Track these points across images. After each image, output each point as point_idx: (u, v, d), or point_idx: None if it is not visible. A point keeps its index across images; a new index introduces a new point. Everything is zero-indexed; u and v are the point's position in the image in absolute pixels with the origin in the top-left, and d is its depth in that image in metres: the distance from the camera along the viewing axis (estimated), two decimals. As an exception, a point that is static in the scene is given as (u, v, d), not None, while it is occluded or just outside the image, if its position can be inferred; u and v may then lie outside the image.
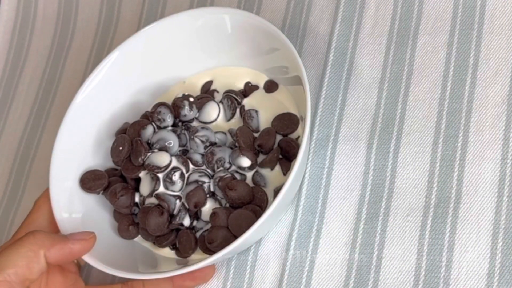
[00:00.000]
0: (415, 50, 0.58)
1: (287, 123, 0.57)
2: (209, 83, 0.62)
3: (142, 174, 0.57)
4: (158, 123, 0.58)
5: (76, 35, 0.73)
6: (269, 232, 0.57)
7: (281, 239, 0.56)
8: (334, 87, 0.59)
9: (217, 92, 0.61)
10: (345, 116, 0.59)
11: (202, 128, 0.57)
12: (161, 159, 0.56)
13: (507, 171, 0.53)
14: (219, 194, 0.56)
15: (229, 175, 0.55)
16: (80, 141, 0.59)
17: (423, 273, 0.52)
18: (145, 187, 0.56)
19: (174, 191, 0.55)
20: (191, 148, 0.57)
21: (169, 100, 0.59)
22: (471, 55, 0.57)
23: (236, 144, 0.57)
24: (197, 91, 0.62)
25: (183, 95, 0.58)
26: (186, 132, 0.57)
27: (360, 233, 0.55)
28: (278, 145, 0.56)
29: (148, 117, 0.59)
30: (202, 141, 0.56)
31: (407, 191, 0.55)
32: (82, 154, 0.59)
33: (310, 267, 0.55)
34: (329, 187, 0.57)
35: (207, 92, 0.61)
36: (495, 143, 0.54)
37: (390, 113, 0.57)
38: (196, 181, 0.56)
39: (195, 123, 0.59)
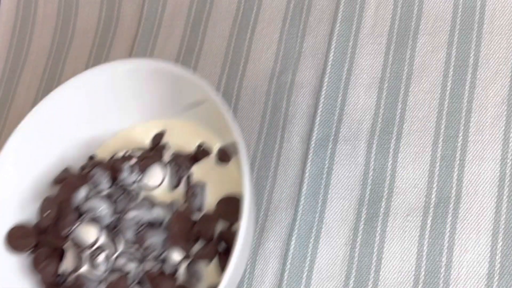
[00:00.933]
0: (415, 50, 0.59)
1: (233, 209, 0.50)
2: (160, 135, 0.57)
3: (67, 245, 0.53)
4: (91, 187, 0.53)
5: (76, 35, 0.73)
6: (268, 230, 0.57)
7: (280, 239, 0.56)
8: (334, 87, 0.59)
9: (168, 147, 0.56)
10: (345, 116, 0.59)
11: (135, 207, 0.51)
12: (88, 234, 0.51)
13: (507, 171, 0.53)
14: (145, 285, 0.51)
15: (158, 265, 0.50)
16: (13, 190, 0.55)
17: (423, 273, 0.52)
18: (68, 262, 0.52)
19: (96, 274, 0.51)
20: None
21: (112, 150, 0.55)
22: (471, 55, 0.57)
23: (169, 231, 0.51)
24: (143, 143, 0.57)
25: (124, 155, 0.54)
26: (123, 198, 0.52)
27: (360, 233, 0.55)
28: (219, 235, 0.51)
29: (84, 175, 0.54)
30: (134, 223, 0.51)
31: (407, 191, 0.55)
32: (13, 205, 0.55)
33: (310, 267, 0.55)
34: (329, 187, 0.57)
35: (157, 145, 0.56)
36: (495, 143, 0.54)
37: (390, 113, 0.57)
38: (120, 270, 0.51)
39: (135, 186, 0.53)
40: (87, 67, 0.71)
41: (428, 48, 0.58)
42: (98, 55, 0.71)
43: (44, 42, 0.75)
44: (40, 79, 0.74)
